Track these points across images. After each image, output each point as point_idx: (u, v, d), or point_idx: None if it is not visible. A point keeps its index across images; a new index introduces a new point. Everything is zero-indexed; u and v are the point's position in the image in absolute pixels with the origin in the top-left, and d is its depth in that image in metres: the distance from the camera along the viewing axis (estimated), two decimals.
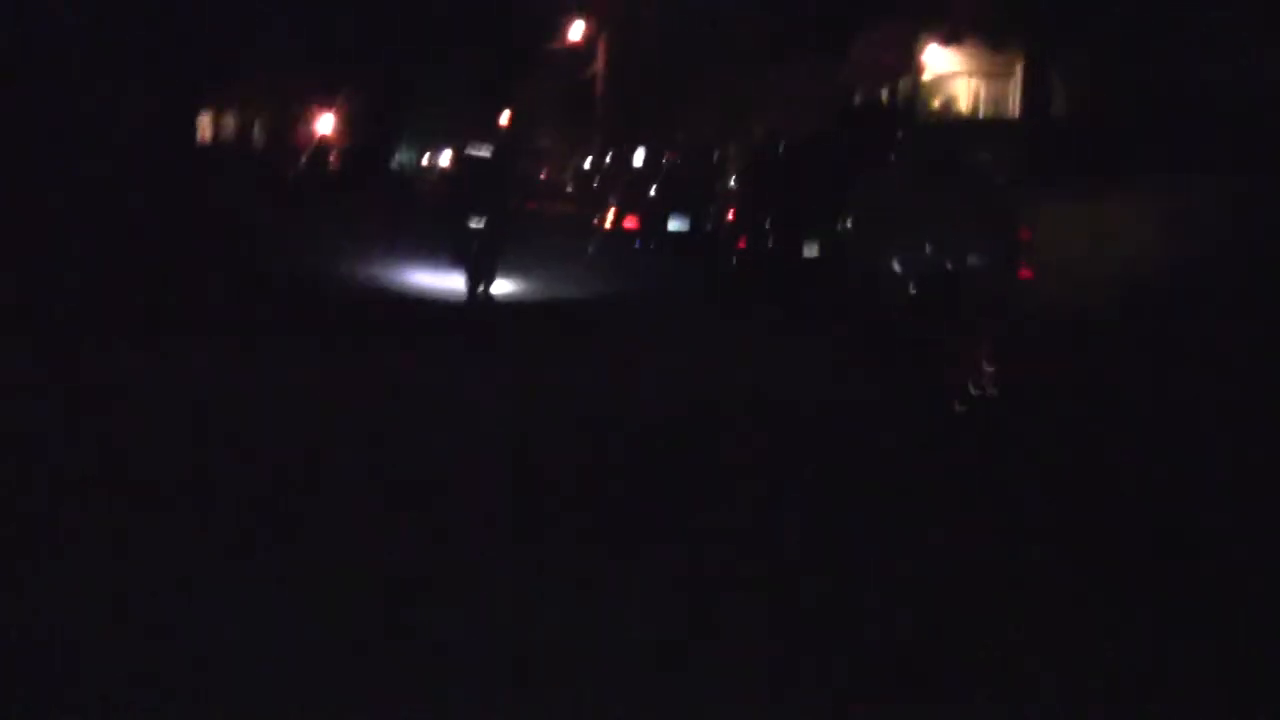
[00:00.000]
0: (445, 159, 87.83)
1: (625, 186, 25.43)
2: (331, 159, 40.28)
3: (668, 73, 55.33)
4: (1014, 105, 24.46)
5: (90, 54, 27.04)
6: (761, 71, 48.12)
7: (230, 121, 35.23)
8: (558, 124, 72.64)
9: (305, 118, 42.84)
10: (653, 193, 23.16)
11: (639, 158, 45.89)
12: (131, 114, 29.75)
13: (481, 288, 15.58)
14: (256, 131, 37.07)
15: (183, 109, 33.08)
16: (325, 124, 50.62)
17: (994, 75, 24.72)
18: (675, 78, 55.18)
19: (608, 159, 58.86)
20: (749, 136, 44.71)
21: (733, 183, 23.81)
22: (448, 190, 20.81)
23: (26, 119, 25.40)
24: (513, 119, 70.80)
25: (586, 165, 71.93)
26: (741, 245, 17.65)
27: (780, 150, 18.75)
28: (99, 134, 28.09)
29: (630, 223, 22.39)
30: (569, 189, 60.50)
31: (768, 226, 16.95)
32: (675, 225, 21.75)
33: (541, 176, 62.77)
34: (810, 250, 15.69)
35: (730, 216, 19.46)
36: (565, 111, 69.23)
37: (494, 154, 16.56)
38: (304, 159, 41.02)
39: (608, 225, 23.39)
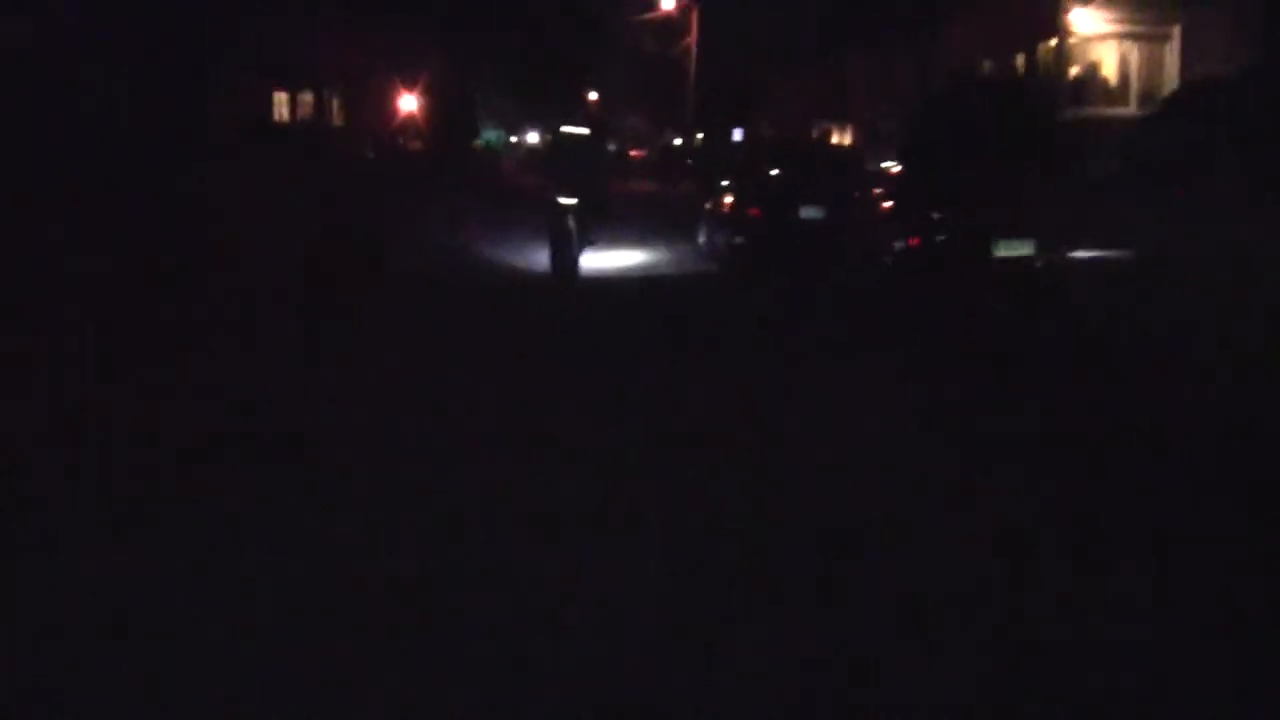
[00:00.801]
0: (533, 138, 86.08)
1: (741, 169, 21.54)
2: (412, 139, 38.04)
3: (764, 48, 52.80)
4: (1169, 70, 21.52)
5: (163, 29, 25.02)
6: (858, 49, 45.74)
7: (308, 100, 32.94)
8: (646, 101, 70.19)
9: (387, 96, 40.63)
10: (774, 175, 19.66)
11: (737, 136, 43.41)
12: (205, 93, 27.68)
13: (569, 266, 15.45)
14: (335, 109, 34.80)
15: (260, 87, 31.04)
16: (409, 102, 48.31)
17: (1147, 38, 21.73)
18: (772, 53, 52.63)
19: (698, 138, 56.33)
20: (866, 116, 42.07)
21: (888, 167, 20.83)
22: (542, 168, 19.34)
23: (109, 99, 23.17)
24: (601, 97, 68.73)
25: (675, 143, 69.57)
26: (914, 243, 14.06)
27: (944, 128, 15.23)
28: (178, 114, 26.02)
29: (754, 210, 18.63)
30: (660, 167, 57.90)
31: (941, 219, 13.79)
32: (809, 213, 18.32)
33: (633, 154, 60.22)
34: (1008, 249, 12.68)
35: (887, 207, 16.53)
36: (653, 88, 66.58)
37: (589, 132, 16.16)
38: (390, 138, 38.89)
39: (725, 210, 19.90)
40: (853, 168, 21.12)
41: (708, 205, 21.31)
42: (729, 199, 19.68)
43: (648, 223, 27.20)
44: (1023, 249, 12.41)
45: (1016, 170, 12.44)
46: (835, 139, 48.59)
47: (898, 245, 14.43)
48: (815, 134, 51.03)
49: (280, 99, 33.32)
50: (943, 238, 13.64)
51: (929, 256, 13.71)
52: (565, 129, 16.18)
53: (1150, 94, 20.98)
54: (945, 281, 13.43)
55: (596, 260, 18.62)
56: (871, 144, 28.98)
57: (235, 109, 28.38)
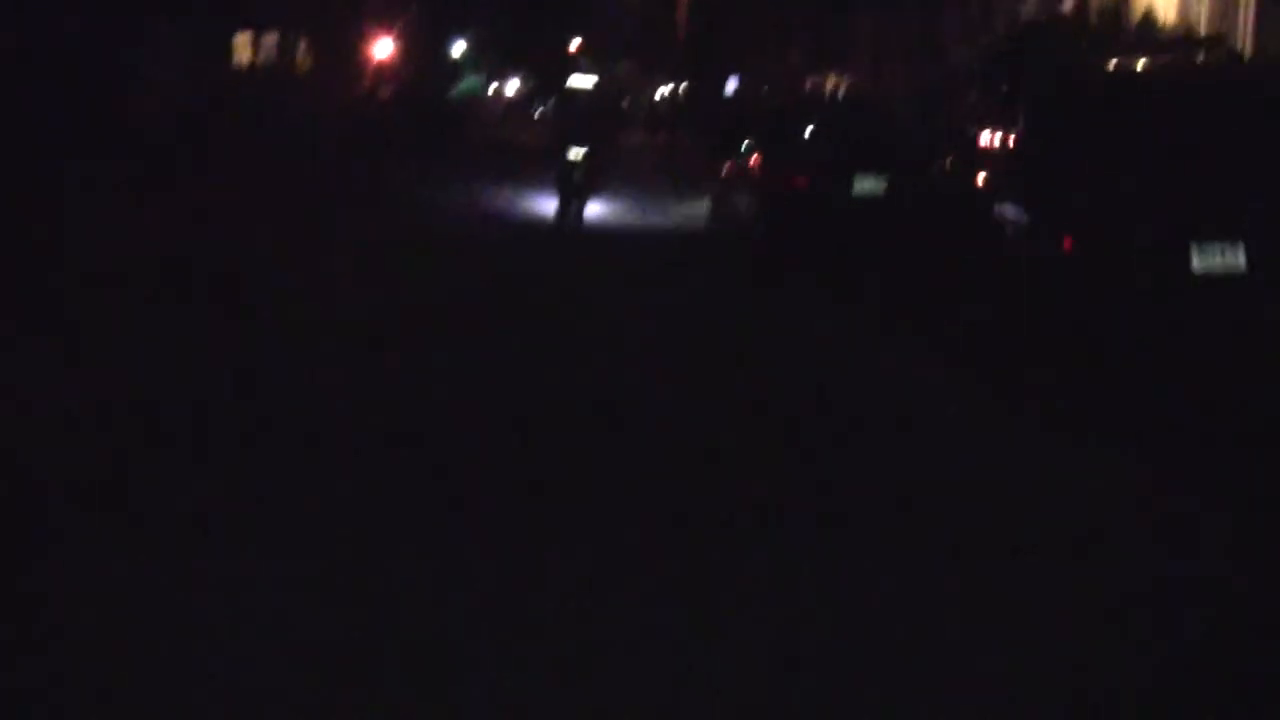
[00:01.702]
0: (512, 88, 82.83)
1: (773, 127, 16.95)
2: (385, 88, 34.89)
3: None
4: (1244, 16, 18.72)
5: None
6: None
7: (271, 43, 29.83)
8: (636, 47, 67.00)
9: (359, 41, 37.51)
10: (818, 140, 15.41)
11: (731, 85, 40.39)
12: (159, 38, 24.74)
13: (572, 217, 15.67)
14: (301, 55, 31.66)
15: (218, 30, 27.95)
16: (383, 48, 45.12)
17: None
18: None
19: (682, 89, 53.30)
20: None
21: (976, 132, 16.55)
22: (552, 121, 18.88)
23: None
24: (588, 44, 65.73)
25: (659, 95, 66.49)
26: (1068, 246, 8.98)
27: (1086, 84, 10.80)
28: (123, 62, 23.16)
29: (799, 180, 14.65)
30: (645, 119, 54.83)
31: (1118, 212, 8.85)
32: (865, 187, 14.49)
33: (623, 106, 57.06)
34: (1211, 259, 8.78)
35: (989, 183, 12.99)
36: (642, 35, 63.40)
37: (596, 86, 18.43)
38: (367, 86, 35.76)
39: (752, 176, 15.86)
40: (920, 131, 17.19)
41: (724, 169, 17.57)
42: (757, 162, 15.94)
43: (645, 178, 25.84)
44: (1232, 261, 8.60)
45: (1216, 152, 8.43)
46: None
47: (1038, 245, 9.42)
48: (809, 85, 48.11)
49: (243, 40, 30.24)
50: (1116, 238, 8.73)
51: (1098, 266, 8.73)
52: (572, 81, 15.99)
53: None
54: (1122, 308, 8.62)
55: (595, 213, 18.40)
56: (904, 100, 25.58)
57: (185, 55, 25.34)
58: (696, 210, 19.88)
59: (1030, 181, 10.01)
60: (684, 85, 53.80)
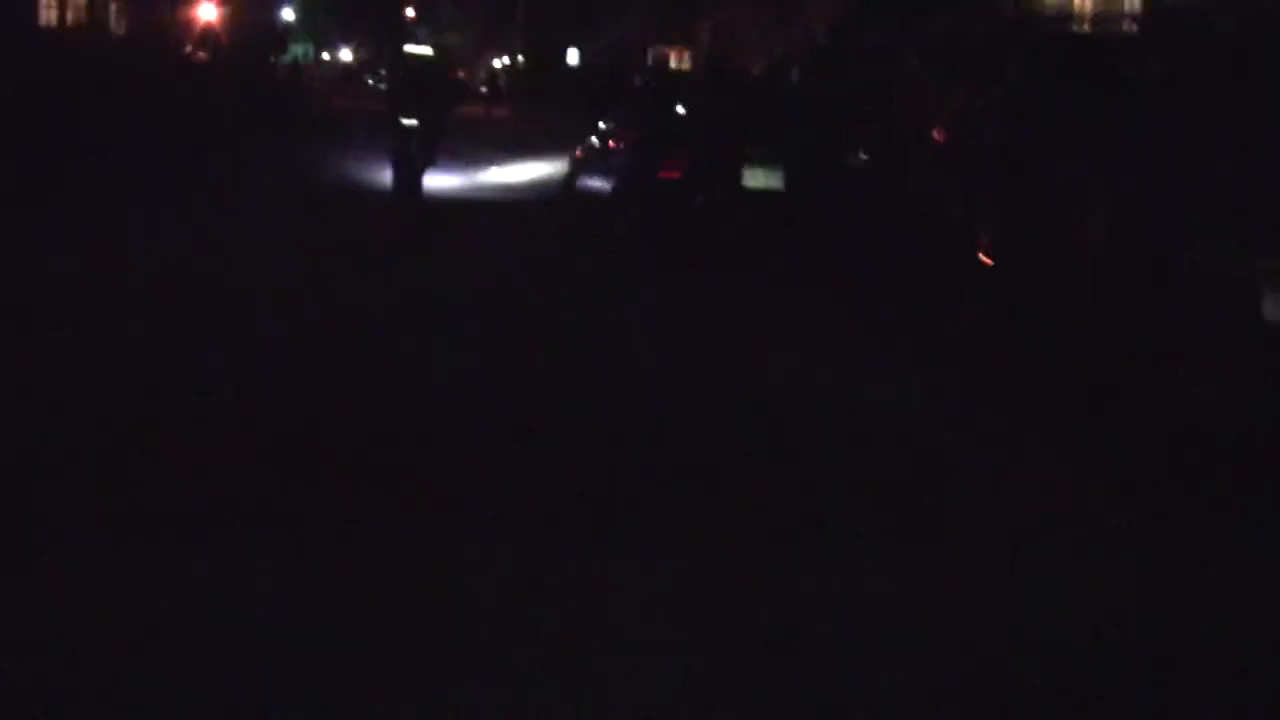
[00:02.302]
0: (346, 55, 79.92)
1: (639, 103, 15.16)
2: (203, 52, 32.49)
3: None
4: None
5: None
6: None
7: (80, 2, 27.32)
8: (468, 19, 64.90)
9: (181, 3, 35.01)
10: (695, 121, 12.85)
11: (573, 58, 38.89)
12: None
13: (409, 186, 15.30)
14: (113, 16, 29.16)
15: None
16: (208, 11, 42.28)
17: None
18: None
19: (519, 60, 51.61)
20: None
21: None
22: (386, 90, 17.67)
23: None
24: (419, 14, 63.46)
25: (498, 64, 64.63)
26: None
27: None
28: None
29: (670, 169, 12.00)
30: (483, 90, 52.96)
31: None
32: (759, 180, 11.61)
33: (460, 76, 54.90)
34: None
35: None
36: (476, 4, 61.31)
37: (433, 53, 15.49)
38: (191, 50, 33.31)
39: (615, 161, 13.67)
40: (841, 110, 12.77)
41: (578, 152, 15.60)
42: (617, 145, 13.65)
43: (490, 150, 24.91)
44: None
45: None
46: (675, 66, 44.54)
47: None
48: (650, 60, 46.94)
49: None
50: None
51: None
52: (409, 48, 15.33)
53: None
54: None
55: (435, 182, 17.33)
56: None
57: None
58: (545, 183, 18.70)
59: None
60: (520, 58, 52.22)
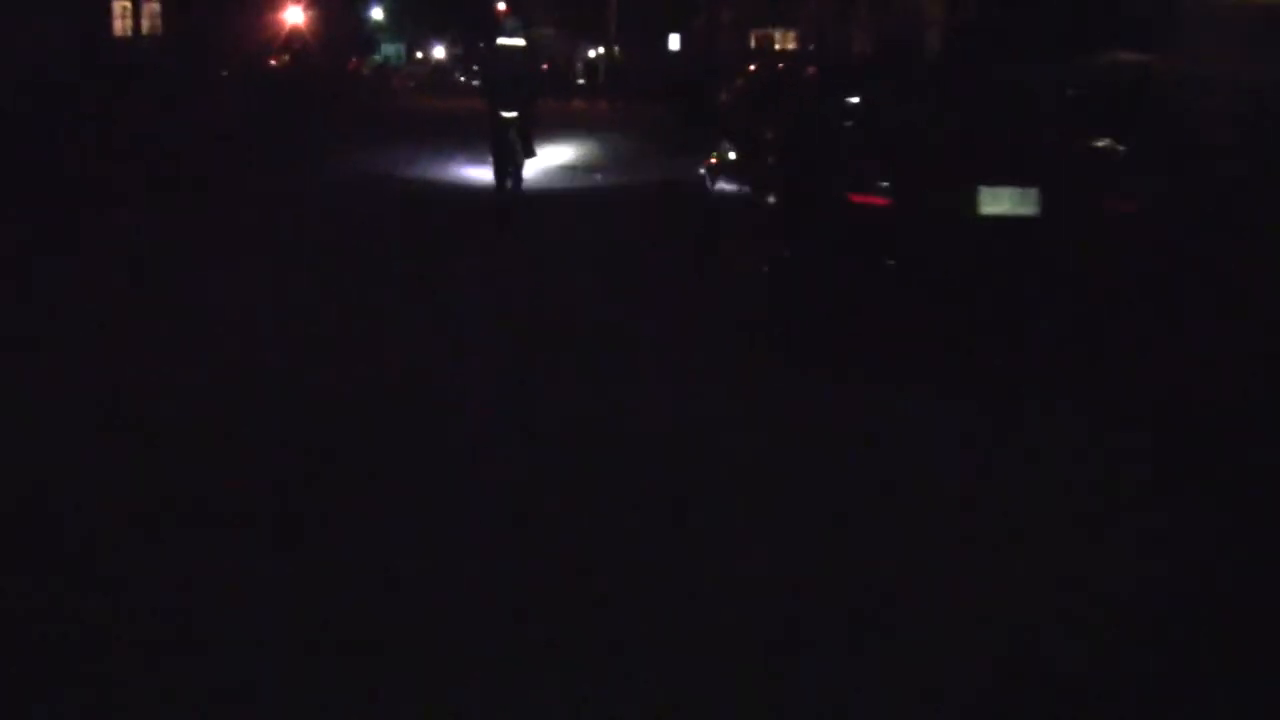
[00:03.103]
0: (440, 53, 78.08)
1: (783, 100, 10.63)
2: (285, 55, 30.42)
3: None
4: None
5: None
6: None
7: (155, 9, 25.35)
8: (560, 9, 62.51)
9: (263, 7, 33.09)
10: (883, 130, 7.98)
11: (675, 43, 36.09)
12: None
13: (510, 180, 14.88)
14: (190, 21, 27.17)
15: None
16: (294, 14, 40.55)
17: None
18: None
19: (615, 51, 49.00)
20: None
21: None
22: (480, 82, 17.07)
23: None
24: (508, 10, 61.25)
25: (593, 54, 62.17)
26: None
27: None
28: None
29: (867, 191, 7.23)
30: (580, 82, 50.49)
31: None
32: (1000, 205, 7.22)
33: (544, 68, 52.43)
34: None
35: None
36: None
37: (524, 45, 14.93)
38: (278, 55, 31.38)
39: (771, 185, 8.65)
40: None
41: (712, 160, 10.81)
42: (777, 161, 8.79)
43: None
44: None
45: None
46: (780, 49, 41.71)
47: None
48: (752, 42, 44.15)
49: (121, 8, 25.77)
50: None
51: None
52: (501, 41, 14.75)
53: None
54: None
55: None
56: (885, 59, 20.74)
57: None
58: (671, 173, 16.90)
59: None
60: (615, 48, 49.67)
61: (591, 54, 64.10)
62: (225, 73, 24.62)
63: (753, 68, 27.77)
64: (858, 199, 7.26)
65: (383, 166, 18.90)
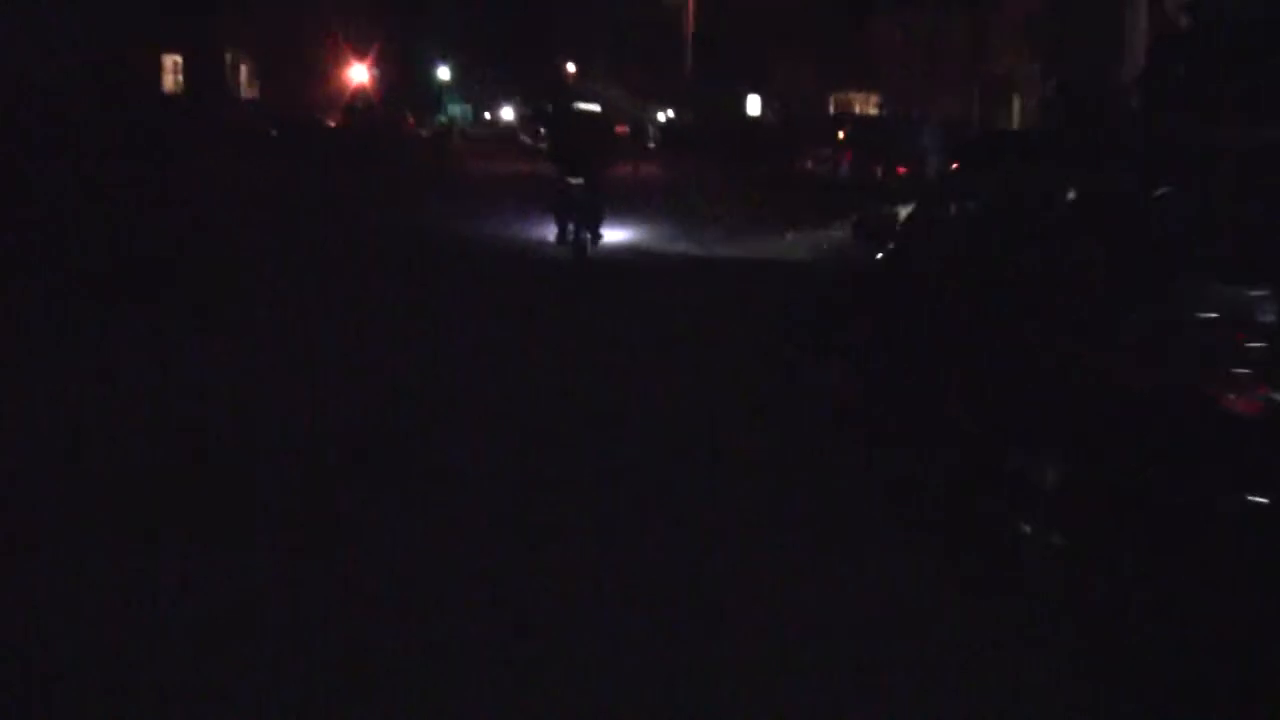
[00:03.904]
0: (509, 114, 76.69)
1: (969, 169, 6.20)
2: (332, 113, 28.55)
3: (764, 7, 43.31)
4: None
5: None
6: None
7: (206, 67, 23.56)
8: (628, 71, 60.80)
9: (324, 66, 31.39)
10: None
11: (754, 107, 33.82)
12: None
13: (588, 244, 14.13)
14: (244, 78, 25.40)
15: (138, 51, 21.82)
16: (359, 73, 39.14)
17: None
18: (773, 13, 43.19)
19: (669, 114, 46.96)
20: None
21: None
22: (548, 146, 15.77)
23: None
24: (579, 68, 59.85)
25: (663, 118, 60.29)
26: None
27: None
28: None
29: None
30: (650, 145, 48.46)
31: None
32: None
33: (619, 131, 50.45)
34: None
35: None
36: (638, 55, 57.04)
37: (599, 110, 14.45)
38: (338, 114, 29.68)
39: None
40: None
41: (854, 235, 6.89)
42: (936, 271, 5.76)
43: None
44: None
45: None
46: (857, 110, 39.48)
47: None
48: (831, 107, 41.98)
49: (173, 62, 24.04)
50: None
51: None
52: (579, 106, 14.26)
53: None
54: None
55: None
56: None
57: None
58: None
59: None
60: (686, 110, 47.65)
61: (661, 117, 62.30)
62: (274, 132, 22.81)
63: (841, 134, 25.63)
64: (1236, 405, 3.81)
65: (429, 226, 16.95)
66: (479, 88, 58.38)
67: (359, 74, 39.72)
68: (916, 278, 5.86)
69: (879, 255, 6.29)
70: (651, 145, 45.24)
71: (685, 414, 7.09)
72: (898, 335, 5.87)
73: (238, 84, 25.21)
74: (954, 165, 6.52)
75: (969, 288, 5.16)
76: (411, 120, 32.74)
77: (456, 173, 30.98)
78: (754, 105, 34.95)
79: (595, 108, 14.23)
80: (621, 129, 52.21)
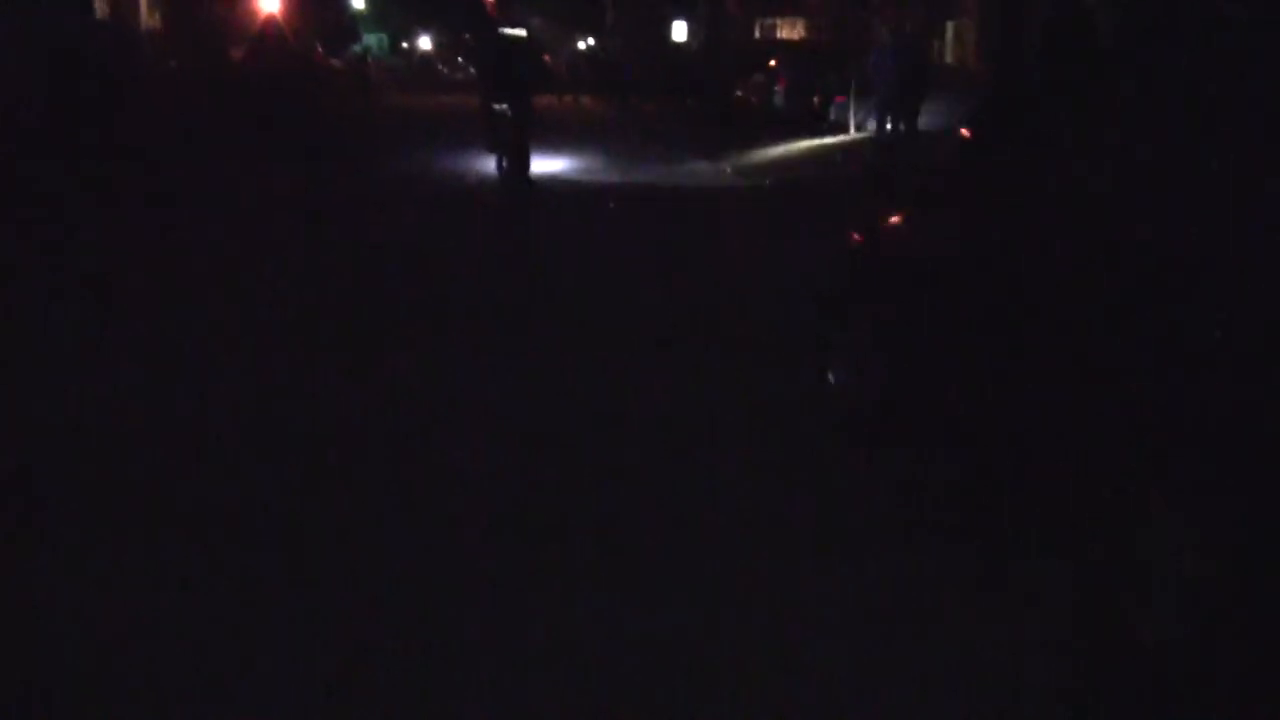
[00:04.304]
0: (426, 44, 74.52)
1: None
2: (241, 48, 26.91)
3: None
4: None
5: None
6: None
7: None
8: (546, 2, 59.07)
9: None
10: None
11: (680, 33, 32.33)
12: None
13: (518, 174, 13.68)
14: (144, 8, 23.76)
15: None
16: (270, 2, 37.03)
17: None
18: None
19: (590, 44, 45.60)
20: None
21: None
22: (478, 73, 15.38)
23: None
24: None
25: (582, 45, 58.78)
26: None
27: None
28: None
29: None
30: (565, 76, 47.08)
31: None
32: None
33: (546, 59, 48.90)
34: None
35: None
36: None
37: (525, 35, 13.60)
38: (251, 43, 27.91)
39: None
40: None
41: (854, 235, 5.60)
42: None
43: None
44: None
45: None
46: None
47: None
48: (757, 33, 40.90)
49: None
50: None
51: None
52: (505, 31, 13.50)
53: None
54: None
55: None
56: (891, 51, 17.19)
57: None
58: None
59: None
60: (609, 37, 46.32)
61: (581, 45, 60.75)
62: (173, 63, 21.23)
63: (773, 63, 24.61)
64: None
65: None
66: (395, 17, 56.36)
67: (269, 2, 37.65)
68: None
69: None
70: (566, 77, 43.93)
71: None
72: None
73: (136, 12, 23.58)
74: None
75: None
76: (319, 51, 31.13)
77: (376, 109, 29.56)
78: (680, 31, 33.54)
79: (521, 33, 13.32)
80: (546, 58, 50.75)
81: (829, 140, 19.96)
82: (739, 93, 25.47)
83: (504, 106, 13.23)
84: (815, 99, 22.09)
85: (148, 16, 24.36)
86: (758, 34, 40.59)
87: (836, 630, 3.80)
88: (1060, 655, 3.63)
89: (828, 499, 4.69)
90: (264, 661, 3.65)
